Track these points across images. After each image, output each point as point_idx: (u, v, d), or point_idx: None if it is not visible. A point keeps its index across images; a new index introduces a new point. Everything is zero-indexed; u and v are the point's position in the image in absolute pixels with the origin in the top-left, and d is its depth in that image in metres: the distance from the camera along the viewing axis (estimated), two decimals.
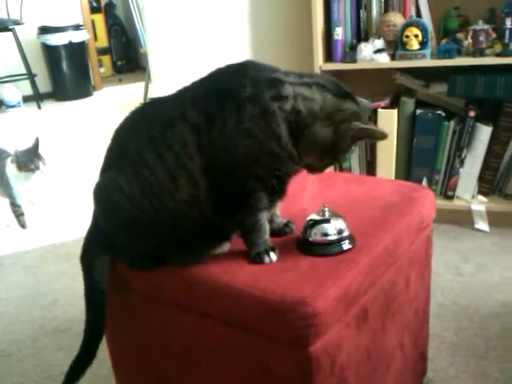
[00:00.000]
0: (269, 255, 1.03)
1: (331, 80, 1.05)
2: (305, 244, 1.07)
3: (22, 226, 2.71)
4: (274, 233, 1.11)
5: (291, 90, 0.99)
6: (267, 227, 1.07)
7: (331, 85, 1.03)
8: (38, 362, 1.69)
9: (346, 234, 1.06)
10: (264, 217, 1.05)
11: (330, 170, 2.02)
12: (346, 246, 1.05)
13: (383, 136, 1.03)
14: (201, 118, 1.00)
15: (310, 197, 1.06)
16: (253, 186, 1.02)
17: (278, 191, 1.06)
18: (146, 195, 1.02)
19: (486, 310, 1.72)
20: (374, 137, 1.05)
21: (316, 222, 1.06)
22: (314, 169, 1.07)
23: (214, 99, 1.01)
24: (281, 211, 1.15)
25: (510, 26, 2.03)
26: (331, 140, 1.00)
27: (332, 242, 1.05)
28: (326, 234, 1.05)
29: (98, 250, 1.15)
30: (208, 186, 1.01)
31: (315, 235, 1.06)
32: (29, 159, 2.56)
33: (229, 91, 1.00)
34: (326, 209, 1.07)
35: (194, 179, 1.00)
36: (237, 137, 0.98)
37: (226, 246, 1.09)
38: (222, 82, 1.03)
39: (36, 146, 2.61)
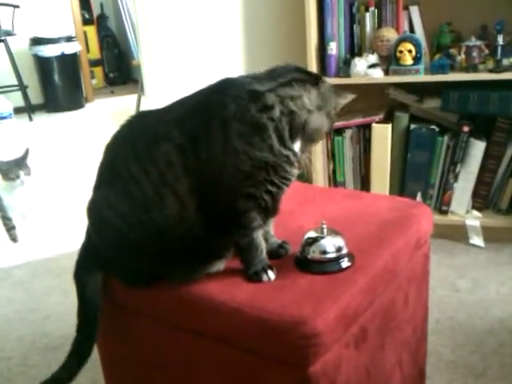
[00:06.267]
0: (267, 274, 1.02)
1: (300, 69, 1.07)
2: (303, 262, 1.05)
3: (13, 239, 2.68)
4: (268, 254, 1.07)
5: (274, 97, 0.99)
6: (264, 245, 1.05)
7: (304, 75, 1.05)
8: (28, 380, 1.65)
9: (344, 251, 1.05)
10: (259, 235, 1.04)
11: (325, 185, 2.00)
12: (344, 263, 1.04)
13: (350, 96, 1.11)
14: (185, 139, 0.99)
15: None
16: (244, 206, 1.00)
17: (271, 209, 1.05)
18: (135, 211, 1.01)
19: (483, 326, 1.72)
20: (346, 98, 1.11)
21: (314, 240, 1.05)
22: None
23: (197, 120, 1.00)
24: (278, 228, 1.14)
25: (501, 43, 2.05)
26: (332, 118, 1.07)
27: (331, 260, 1.04)
28: (324, 252, 1.04)
29: (91, 266, 1.14)
30: (198, 207, 0.99)
31: (314, 253, 1.04)
32: (9, 168, 2.55)
33: (211, 111, 1.00)
34: (325, 226, 1.06)
35: (182, 200, 0.99)
36: (224, 157, 0.97)
37: (221, 265, 1.08)
38: (203, 102, 1.03)
39: (24, 156, 2.61)
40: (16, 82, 5.34)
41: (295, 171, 1.05)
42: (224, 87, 1.02)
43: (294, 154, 1.02)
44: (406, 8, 2.25)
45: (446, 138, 2.20)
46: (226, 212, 1.01)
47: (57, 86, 5.71)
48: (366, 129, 2.28)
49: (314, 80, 1.05)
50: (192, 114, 1.02)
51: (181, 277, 1.05)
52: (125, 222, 1.02)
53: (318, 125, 1.04)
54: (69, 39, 5.67)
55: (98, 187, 1.09)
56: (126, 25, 5.28)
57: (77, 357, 1.12)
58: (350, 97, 1.12)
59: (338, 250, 1.04)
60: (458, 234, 2.26)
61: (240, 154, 0.97)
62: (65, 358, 1.12)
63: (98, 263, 1.13)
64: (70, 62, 5.73)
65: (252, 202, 1.01)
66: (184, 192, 0.99)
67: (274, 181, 1.01)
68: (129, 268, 1.09)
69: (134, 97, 5.02)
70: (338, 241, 1.05)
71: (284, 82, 1.02)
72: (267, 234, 1.11)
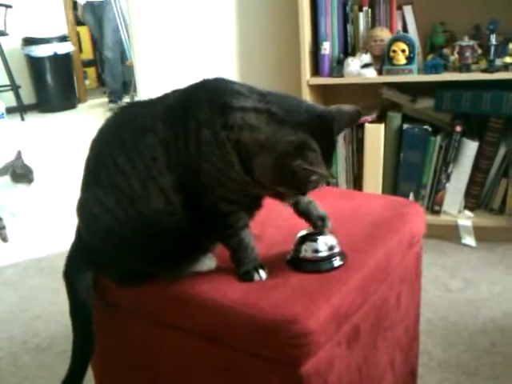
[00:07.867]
0: (258, 273, 1.01)
1: (290, 104, 0.97)
2: (295, 260, 1.05)
3: (4, 239, 2.66)
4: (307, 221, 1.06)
5: (239, 119, 0.94)
6: (254, 243, 1.04)
7: (284, 112, 0.94)
8: (18, 380, 1.64)
9: (337, 250, 1.04)
10: (248, 234, 1.03)
11: None
12: (337, 262, 1.03)
13: (327, 178, 0.97)
14: (169, 134, 0.98)
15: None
16: (226, 209, 0.99)
17: (254, 207, 1.04)
18: (121, 203, 1.00)
19: (475, 325, 1.72)
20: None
21: (306, 239, 1.05)
22: (284, 198, 1.03)
23: (179, 115, 0.99)
24: (270, 227, 1.13)
25: (494, 43, 2.06)
26: (278, 172, 0.94)
27: (323, 259, 1.03)
28: (316, 251, 1.03)
29: (81, 265, 1.12)
30: (183, 203, 0.98)
31: (306, 252, 1.04)
32: (26, 171, 2.61)
33: (189, 110, 0.98)
34: None
35: (167, 196, 0.98)
36: (198, 160, 0.96)
37: (212, 263, 1.07)
38: (186, 98, 1.01)
39: (18, 157, 2.63)
40: (8, 82, 5.32)
41: (266, 191, 1.02)
42: (207, 88, 1.00)
43: (257, 183, 0.97)
44: (400, 8, 2.25)
45: (438, 138, 2.20)
46: (210, 212, 1.00)
47: (49, 86, 5.69)
48: (358, 128, 2.27)
49: (293, 123, 0.93)
50: (175, 108, 1.00)
51: (169, 273, 1.04)
52: (113, 216, 1.01)
53: (263, 168, 0.95)
54: (62, 39, 5.66)
55: (86, 185, 1.08)
56: (119, 25, 5.27)
57: (80, 358, 1.11)
58: (317, 173, 0.93)
59: (330, 248, 1.04)
60: (450, 233, 2.27)
61: (208, 162, 0.96)
62: (69, 362, 1.10)
63: (88, 262, 1.12)
64: (62, 62, 5.72)
65: (234, 205, 1.00)
66: (168, 188, 0.98)
67: (246, 191, 0.99)
68: (119, 266, 1.08)
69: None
70: (331, 239, 1.05)
71: (259, 108, 0.95)
72: (310, 205, 1.07)
